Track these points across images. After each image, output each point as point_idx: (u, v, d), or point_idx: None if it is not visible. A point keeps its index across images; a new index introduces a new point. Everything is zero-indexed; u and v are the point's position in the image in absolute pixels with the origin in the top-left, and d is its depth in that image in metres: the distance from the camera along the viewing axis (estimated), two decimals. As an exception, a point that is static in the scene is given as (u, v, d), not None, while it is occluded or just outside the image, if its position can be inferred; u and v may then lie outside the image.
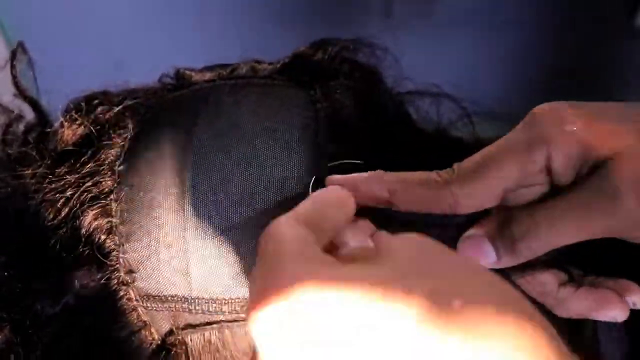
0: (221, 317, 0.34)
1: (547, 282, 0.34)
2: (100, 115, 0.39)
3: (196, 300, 0.34)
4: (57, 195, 0.36)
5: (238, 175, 0.34)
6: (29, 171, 0.38)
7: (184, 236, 0.34)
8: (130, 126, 0.38)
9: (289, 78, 0.40)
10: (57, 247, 0.35)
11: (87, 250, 0.35)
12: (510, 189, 0.32)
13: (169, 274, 0.34)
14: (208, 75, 0.41)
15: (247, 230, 0.33)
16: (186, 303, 0.34)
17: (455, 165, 0.32)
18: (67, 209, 0.36)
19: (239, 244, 0.33)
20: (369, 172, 0.33)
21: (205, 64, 0.43)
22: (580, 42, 1.44)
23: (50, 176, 0.37)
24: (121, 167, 0.36)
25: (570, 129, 0.31)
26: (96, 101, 0.40)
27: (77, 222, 0.35)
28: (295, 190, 0.34)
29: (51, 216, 0.36)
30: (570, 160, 0.31)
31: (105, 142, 0.37)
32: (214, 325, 0.34)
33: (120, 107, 0.39)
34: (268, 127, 0.36)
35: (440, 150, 0.39)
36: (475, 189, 0.31)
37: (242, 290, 0.33)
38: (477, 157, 0.32)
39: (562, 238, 0.31)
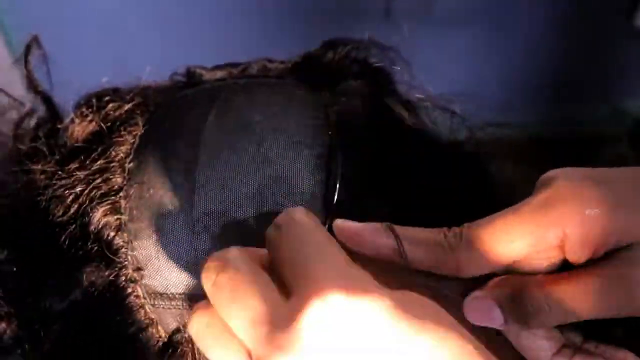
0: None
1: (542, 347, 0.32)
2: (111, 112, 0.39)
3: (204, 297, 0.34)
4: (67, 191, 0.36)
5: (247, 175, 0.34)
6: (39, 167, 0.38)
7: (192, 234, 0.34)
8: (141, 123, 0.38)
9: (300, 78, 0.41)
10: (66, 243, 0.35)
11: (96, 247, 0.35)
12: (519, 261, 0.31)
13: (178, 272, 0.34)
14: (219, 74, 0.41)
15: (255, 229, 0.33)
16: (194, 301, 0.33)
17: (465, 228, 0.31)
18: (76, 206, 0.36)
19: (247, 242, 0.33)
20: (376, 225, 0.31)
21: (207, 61, 0.43)
22: (580, 42, 1.44)
23: (60, 172, 0.37)
24: (131, 165, 0.36)
25: (593, 212, 0.29)
26: (107, 98, 0.40)
27: (87, 218, 0.35)
28: (304, 191, 0.34)
29: (60, 212, 0.36)
30: (587, 244, 0.29)
31: (115, 139, 0.37)
32: None
33: (130, 104, 0.39)
34: (278, 127, 0.36)
35: (448, 156, 0.39)
36: (481, 260, 0.30)
37: None
38: (487, 225, 0.31)
39: (576, 317, 0.30)
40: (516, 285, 0.31)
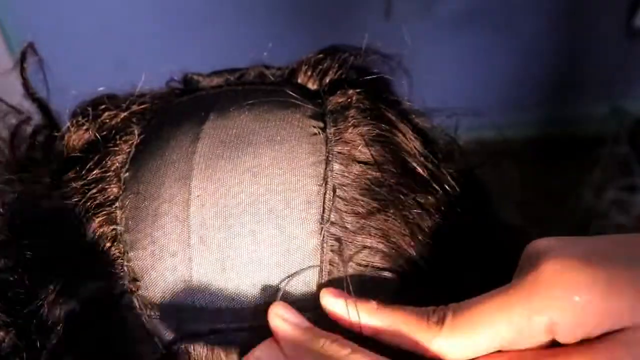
0: (224, 326, 0.33)
1: None
2: (107, 121, 0.39)
3: (200, 309, 0.33)
4: (63, 201, 0.36)
5: (243, 185, 0.34)
6: (36, 176, 0.38)
7: (188, 245, 0.33)
8: (137, 132, 0.38)
9: (297, 85, 0.40)
10: (62, 253, 0.35)
11: (92, 258, 0.35)
12: (505, 346, 0.30)
13: (173, 283, 0.34)
14: (216, 81, 0.41)
15: (251, 240, 0.33)
16: (190, 312, 0.33)
17: (450, 311, 0.30)
18: (72, 216, 0.35)
19: (243, 253, 0.33)
20: (362, 304, 0.31)
21: (204, 67, 0.43)
22: (580, 42, 1.44)
23: (56, 182, 0.37)
24: (127, 174, 0.36)
25: (583, 300, 0.28)
26: (103, 106, 0.40)
27: (83, 229, 0.35)
28: (299, 201, 0.34)
29: (57, 222, 0.36)
30: (578, 331, 0.28)
31: (111, 148, 0.37)
32: (218, 335, 0.34)
33: (127, 112, 0.39)
34: (274, 137, 0.35)
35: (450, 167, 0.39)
36: (464, 348, 0.29)
37: (246, 300, 0.33)
38: (471, 309, 0.30)
39: None
40: None
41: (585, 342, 0.28)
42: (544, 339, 0.29)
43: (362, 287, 0.33)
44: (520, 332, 0.29)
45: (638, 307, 0.27)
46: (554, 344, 0.29)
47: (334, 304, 0.32)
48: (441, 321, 0.30)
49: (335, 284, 0.33)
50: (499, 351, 0.30)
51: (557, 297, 0.28)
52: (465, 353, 0.30)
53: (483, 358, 0.30)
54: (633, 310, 0.27)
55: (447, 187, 0.37)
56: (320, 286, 0.33)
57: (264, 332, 0.33)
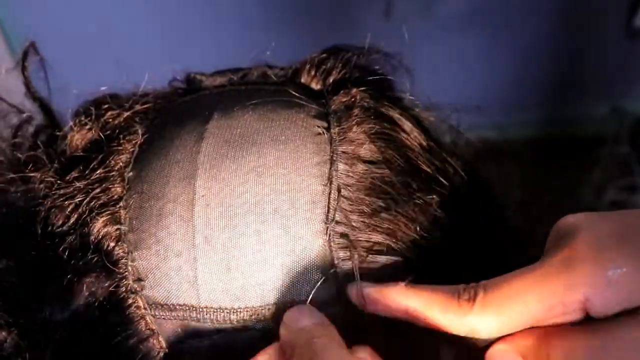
0: (229, 326, 0.33)
1: None
2: (110, 120, 0.39)
3: (204, 309, 0.33)
4: (66, 201, 0.36)
5: (248, 185, 0.34)
6: (38, 176, 0.38)
7: (192, 244, 0.33)
8: (140, 131, 0.38)
9: (300, 85, 0.40)
10: (66, 253, 0.35)
11: (96, 258, 0.34)
12: (539, 322, 0.29)
13: (178, 283, 0.33)
14: (219, 80, 0.41)
15: (256, 240, 0.33)
16: (194, 312, 0.33)
17: (481, 288, 0.30)
18: (76, 216, 0.35)
19: (248, 253, 0.33)
20: (391, 287, 0.32)
21: (207, 66, 0.43)
22: (580, 42, 1.44)
23: (59, 182, 0.37)
24: (130, 174, 0.36)
25: (616, 273, 0.27)
26: (106, 106, 0.39)
27: (86, 229, 0.35)
28: (304, 201, 0.34)
29: (60, 222, 0.36)
30: (611, 305, 0.28)
31: (114, 148, 0.37)
32: (222, 334, 0.34)
33: (130, 111, 0.39)
34: (278, 137, 0.35)
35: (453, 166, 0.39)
36: (496, 324, 0.29)
37: (250, 300, 0.33)
38: (502, 286, 0.29)
39: None
40: (540, 337, 0.29)
41: (619, 316, 0.28)
42: (578, 315, 0.29)
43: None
44: (553, 309, 0.28)
45: None
46: (588, 319, 0.29)
47: (368, 290, 0.32)
48: (472, 299, 0.30)
49: (346, 282, 0.33)
50: (533, 327, 0.30)
51: (590, 273, 0.28)
52: (497, 330, 0.30)
53: (517, 335, 0.30)
54: None
55: (452, 183, 0.37)
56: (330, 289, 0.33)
57: (268, 332, 0.33)
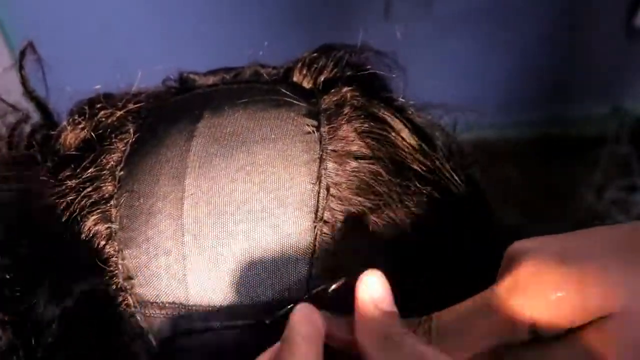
0: (218, 324, 0.33)
1: None
2: (103, 119, 0.39)
3: (194, 307, 0.33)
4: (58, 200, 0.36)
5: (237, 183, 0.34)
6: (33, 174, 0.38)
7: (182, 243, 0.33)
8: (132, 130, 0.38)
9: (293, 84, 0.40)
10: (58, 251, 0.35)
11: (87, 256, 0.35)
12: (491, 346, 0.31)
13: (168, 281, 0.34)
14: (212, 80, 0.41)
15: (244, 239, 0.33)
16: (184, 310, 0.33)
17: (434, 321, 0.31)
18: (67, 214, 0.36)
19: (236, 251, 0.33)
20: (342, 320, 0.31)
21: (200, 66, 0.43)
22: (580, 42, 1.44)
23: (52, 180, 0.37)
24: (122, 173, 0.36)
25: (558, 295, 0.29)
26: (99, 105, 0.40)
27: (77, 227, 0.35)
28: (293, 200, 0.34)
29: (52, 221, 0.36)
30: (557, 326, 0.29)
31: (106, 147, 0.37)
32: (212, 332, 0.34)
33: (122, 111, 0.39)
34: (268, 135, 0.35)
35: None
36: (455, 353, 0.30)
37: (239, 298, 0.33)
38: (452, 317, 0.31)
39: None
40: (492, 357, 0.31)
41: (569, 334, 0.29)
42: (528, 336, 0.30)
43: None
44: (504, 336, 0.30)
45: (619, 292, 0.28)
46: (536, 339, 0.30)
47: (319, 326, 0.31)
48: (428, 332, 0.31)
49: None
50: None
51: (534, 297, 0.29)
52: (458, 357, 0.30)
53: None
54: (608, 297, 0.28)
55: (443, 184, 0.37)
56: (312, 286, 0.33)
57: (257, 330, 0.33)
